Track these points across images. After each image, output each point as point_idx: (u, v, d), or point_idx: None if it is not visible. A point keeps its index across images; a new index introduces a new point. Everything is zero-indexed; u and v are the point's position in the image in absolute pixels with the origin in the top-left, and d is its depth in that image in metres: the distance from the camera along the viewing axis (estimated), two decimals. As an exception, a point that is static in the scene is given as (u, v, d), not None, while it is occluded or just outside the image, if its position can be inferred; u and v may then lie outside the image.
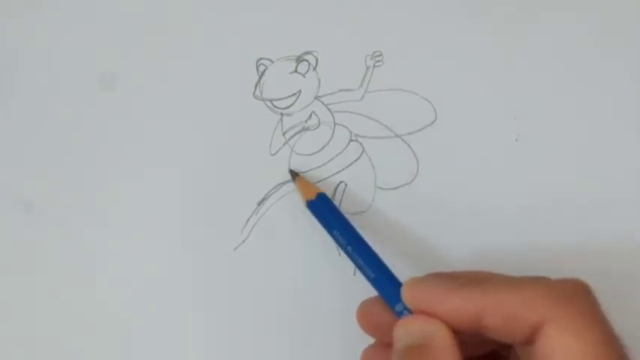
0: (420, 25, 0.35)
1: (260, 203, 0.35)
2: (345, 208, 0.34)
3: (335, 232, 0.31)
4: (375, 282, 0.30)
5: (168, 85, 0.35)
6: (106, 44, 0.36)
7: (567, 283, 0.26)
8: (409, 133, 0.35)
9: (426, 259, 0.32)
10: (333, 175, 0.35)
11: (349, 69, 0.35)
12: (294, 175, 0.34)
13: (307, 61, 0.35)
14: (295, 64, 0.35)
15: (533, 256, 0.34)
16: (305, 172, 0.35)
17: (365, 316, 0.30)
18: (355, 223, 0.34)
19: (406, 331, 0.27)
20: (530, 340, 0.25)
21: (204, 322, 0.34)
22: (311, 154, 0.35)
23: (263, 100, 0.35)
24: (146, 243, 0.35)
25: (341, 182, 0.35)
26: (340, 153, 0.35)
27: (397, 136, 0.35)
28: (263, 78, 0.35)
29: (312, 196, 0.33)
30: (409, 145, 0.35)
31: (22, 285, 0.35)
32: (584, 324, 0.25)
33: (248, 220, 0.35)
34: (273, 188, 0.35)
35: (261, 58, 0.36)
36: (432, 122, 0.35)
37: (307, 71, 0.35)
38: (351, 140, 0.35)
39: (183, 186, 0.35)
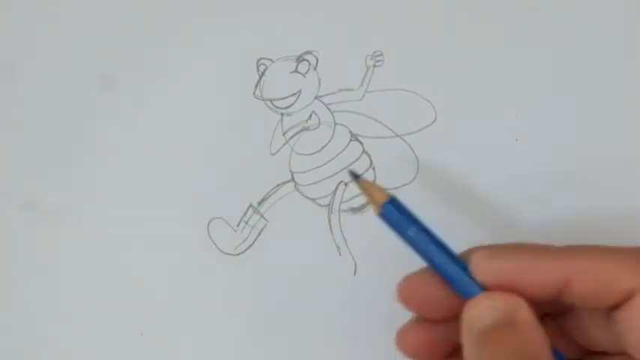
0: (420, 25, 0.35)
1: (260, 203, 0.35)
2: (345, 207, 0.34)
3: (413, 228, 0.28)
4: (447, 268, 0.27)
5: (168, 85, 0.36)
6: (105, 44, 0.36)
7: None
8: (409, 133, 0.35)
9: (426, 260, 0.32)
10: (333, 175, 0.35)
11: (349, 69, 0.35)
12: (355, 176, 0.28)
13: (307, 61, 0.35)
14: (295, 64, 0.35)
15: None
16: (305, 172, 0.35)
17: (410, 290, 0.28)
18: (355, 222, 0.34)
19: (489, 306, 0.25)
20: (616, 306, 0.24)
21: (204, 322, 0.35)
22: (311, 154, 0.35)
23: (263, 100, 0.35)
24: (146, 243, 0.35)
25: (341, 182, 0.35)
26: (340, 153, 0.35)
27: (397, 136, 0.35)
28: (263, 78, 0.35)
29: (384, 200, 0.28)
30: (409, 145, 0.35)
31: (23, 285, 0.35)
32: None
33: (248, 220, 0.35)
34: (273, 188, 0.35)
35: (261, 58, 0.36)
36: (432, 122, 0.35)
37: (307, 71, 0.35)
38: (351, 140, 0.35)
39: (183, 186, 0.35)
